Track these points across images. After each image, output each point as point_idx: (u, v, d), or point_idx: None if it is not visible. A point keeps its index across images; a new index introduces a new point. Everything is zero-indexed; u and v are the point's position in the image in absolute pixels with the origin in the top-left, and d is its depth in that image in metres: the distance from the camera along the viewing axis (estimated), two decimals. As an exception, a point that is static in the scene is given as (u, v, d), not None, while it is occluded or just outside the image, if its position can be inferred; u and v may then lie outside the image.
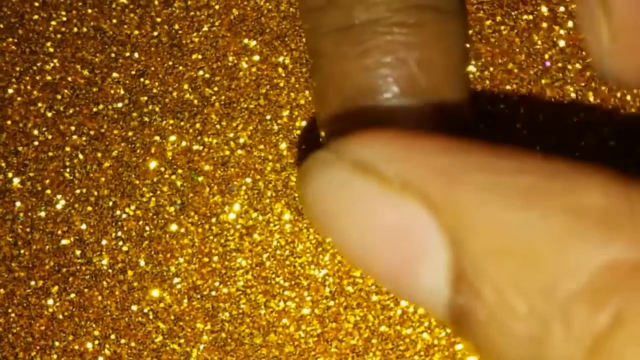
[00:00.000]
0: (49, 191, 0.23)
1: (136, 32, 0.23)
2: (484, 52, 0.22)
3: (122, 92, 0.22)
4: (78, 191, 0.22)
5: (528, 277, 0.09)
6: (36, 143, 0.23)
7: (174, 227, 0.22)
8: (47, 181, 0.23)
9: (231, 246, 0.22)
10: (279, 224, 0.22)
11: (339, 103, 0.17)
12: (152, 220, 0.22)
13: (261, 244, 0.22)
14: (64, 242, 0.22)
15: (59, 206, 0.22)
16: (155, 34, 0.23)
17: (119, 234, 0.22)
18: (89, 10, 0.23)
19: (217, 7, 0.22)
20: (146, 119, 0.22)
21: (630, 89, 0.19)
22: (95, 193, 0.22)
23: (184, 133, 0.22)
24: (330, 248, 0.22)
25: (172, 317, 0.22)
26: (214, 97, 0.22)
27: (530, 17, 0.22)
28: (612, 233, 0.09)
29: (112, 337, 0.22)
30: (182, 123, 0.22)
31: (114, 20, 0.23)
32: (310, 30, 0.18)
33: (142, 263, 0.22)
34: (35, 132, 0.23)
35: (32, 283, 0.22)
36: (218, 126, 0.22)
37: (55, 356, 0.22)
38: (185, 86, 0.22)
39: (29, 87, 0.23)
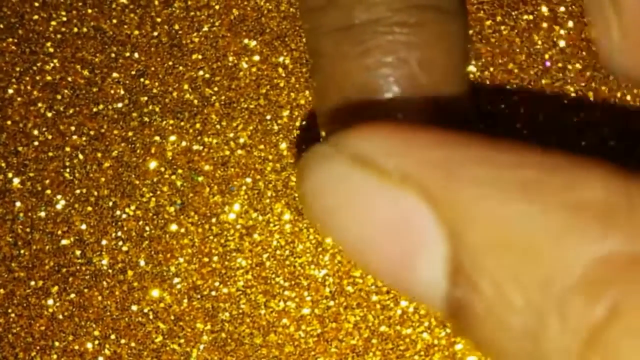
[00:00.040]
0: (49, 191, 0.23)
1: (136, 32, 0.23)
2: (484, 52, 0.22)
3: (122, 92, 0.22)
4: (78, 191, 0.22)
5: (525, 270, 0.09)
6: (36, 143, 0.23)
7: (174, 227, 0.22)
8: (47, 181, 0.23)
9: (231, 246, 0.22)
10: (279, 224, 0.22)
11: (339, 103, 0.17)
12: (152, 220, 0.22)
13: (261, 244, 0.22)
14: (64, 242, 0.22)
15: (59, 206, 0.22)
16: (156, 34, 0.23)
17: (119, 234, 0.22)
18: (89, 10, 0.23)
19: (217, 7, 0.22)
20: (146, 119, 0.22)
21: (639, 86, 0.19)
22: (95, 193, 0.22)
23: (184, 133, 0.22)
24: (330, 248, 0.22)
25: (172, 317, 0.22)
26: (214, 97, 0.22)
27: (531, 17, 0.22)
28: (610, 227, 0.09)
29: (112, 337, 0.22)
30: (182, 123, 0.22)
31: (114, 21, 0.23)
32: (310, 30, 0.18)
33: (142, 263, 0.22)
34: (35, 132, 0.23)
35: (32, 283, 0.22)
36: (218, 126, 0.22)
37: (55, 356, 0.22)
38: (186, 86, 0.22)
39: (29, 87, 0.23)
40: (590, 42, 0.22)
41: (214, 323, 0.22)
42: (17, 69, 0.23)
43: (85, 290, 0.22)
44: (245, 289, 0.22)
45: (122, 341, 0.22)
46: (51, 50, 0.23)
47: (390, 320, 0.22)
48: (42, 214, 0.22)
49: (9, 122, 0.23)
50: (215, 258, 0.22)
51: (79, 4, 0.23)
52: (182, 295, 0.22)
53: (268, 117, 0.22)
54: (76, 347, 0.22)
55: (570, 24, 0.22)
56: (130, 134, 0.22)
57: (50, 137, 0.23)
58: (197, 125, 0.22)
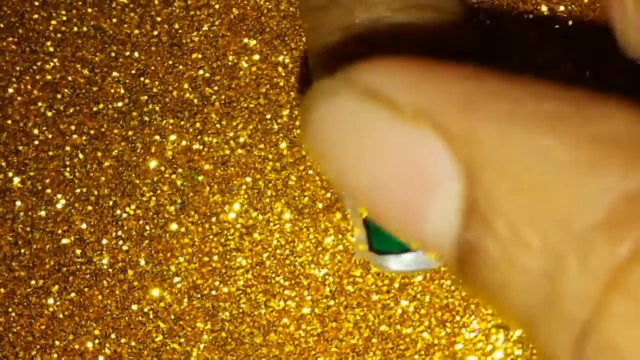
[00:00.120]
0: (49, 191, 0.23)
1: (136, 31, 0.23)
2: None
3: (122, 91, 0.22)
4: (78, 191, 0.22)
5: (544, 209, 0.09)
6: (37, 142, 0.23)
7: (174, 227, 0.22)
8: (48, 181, 0.23)
9: (231, 246, 0.22)
10: (279, 223, 0.22)
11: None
12: (153, 219, 0.22)
13: (261, 243, 0.22)
14: (65, 241, 0.22)
15: (59, 206, 0.22)
16: (156, 33, 0.23)
17: (120, 233, 0.22)
18: (89, 10, 0.23)
19: (217, 6, 0.22)
20: (146, 118, 0.22)
21: None
22: (96, 192, 0.22)
23: (184, 132, 0.22)
24: (331, 248, 0.22)
25: (173, 317, 0.22)
26: (214, 97, 0.22)
27: (531, 16, 0.22)
28: (634, 163, 0.08)
29: (113, 336, 0.22)
30: (182, 122, 0.22)
31: (115, 20, 0.23)
32: (311, 30, 0.18)
33: (142, 263, 0.22)
34: (36, 131, 0.23)
35: (33, 282, 0.22)
36: (218, 126, 0.22)
37: (55, 355, 0.22)
38: (186, 86, 0.22)
39: (29, 86, 0.23)
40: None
41: (214, 322, 0.22)
42: (18, 68, 0.23)
43: (86, 289, 0.22)
44: (246, 288, 0.22)
45: (123, 340, 0.22)
46: (51, 49, 0.23)
47: (391, 320, 0.22)
48: (43, 213, 0.23)
49: (9, 122, 0.23)
50: (216, 257, 0.22)
51: (79, 3, 0.23)
52: (182, 295, 0.22)
53: (268, 116, 0.22)
54: (77, 347, 0.22)
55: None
56: (130, 133, 0.22)
57: (50, 136, 0.23)
58: (198, 125, 0.22)
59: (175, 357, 0.22)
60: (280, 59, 0.22)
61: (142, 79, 0.22)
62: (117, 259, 0.22)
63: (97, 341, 0.22)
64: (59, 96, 0.23)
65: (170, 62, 0.22)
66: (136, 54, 0.22)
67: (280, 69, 0.22)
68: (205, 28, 0.22)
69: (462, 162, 0.09)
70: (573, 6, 0.22)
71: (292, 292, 0.22)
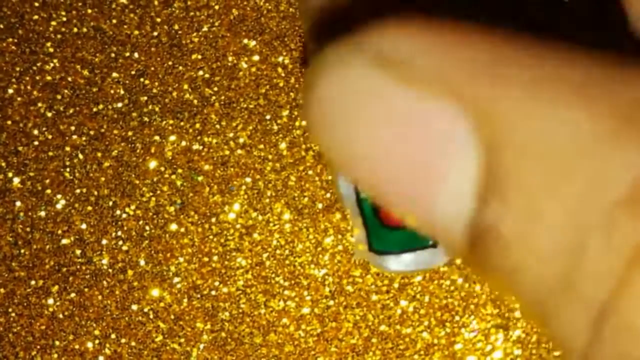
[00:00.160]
0: (49, 191, 0.23)
1: (136, 32, 0.23)
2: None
3: (122, 92, 0.22)
4: (78, 191, 0.22)
5: (567, 183, 0.08)
6: (36, 143, 0.23)
7: (173, 227, 0.22)
8: (47, 181, 0.23)
9: (231, 246, 0.22)
10: (278, 223, 0.22)
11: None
12: (152, 219, 0.22)
13: (261, 243, 0.22)
14: (64, 241, 0.22)
15: (59, 206, 0.22)
16: (155, 34, 0.23)
17: (119, 233, 0.22)
18: (89, 11, 0.23)
19: (216, 7, 0.22)
20: (146, 118, 0.22)
21: None
22: (95, 193, 0.22)
23: (184, 133, 0.22)
24: (330, 248, 0.22)
25: (172, 317, 0.22)
26: (213, 97, 0.22)
27: (530, 17, 0.22)
28: None
29: (113, 336, 0.22)
30: (181, 123, 0.22)
31: (114, 21, 0.23)
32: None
33: (142, 263, 0.22)
34: (35, 132, 0.23)
35: (33, 282, 0.22)
36: (218, 126, 0.22)
37: (55, 355, 0.22)
38: (185, 86, 0.22)
39: (29, 87, 0.23)
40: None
41: (214, 322, 0.22)
42: (17, 68, 0.23)
43: (86, 289, 0.22)
44: (245, 288, 0.22)
45: (123, 340, 0.22)
46: (51, 50, 0.23)
47: (390, 320, 0.22)
48: (42, 213, 0.23)
49: (9, 122, 0.23)
50: (215, 258, 0.22)
51: (79, 4, 0.23)
52: (182, 295, 0.22)
53: (267, 116, 0.22)
54: (76, 347, 0.22)
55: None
56: (130, 133, 0.22)
57: (50, 136, 0.23)
58: (197, 125, 0.22)
59: (175, 356, 0.22)
60: (280, 59, 0.22)
61: (142, 79, 0.22)
62: (116, 259, 0.22)
63: (96, 341, 0.22)
64: (59, 96, 0.23)
65: (170, 63, 0.22)
66: (136, 55, 0.22)
67: (279, 70, 0.22)
68: (205, 29, 0.22)
69: (482, 133, 0.08)
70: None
71: (292, 292, 0.22)
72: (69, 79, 0.23)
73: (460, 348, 0.22)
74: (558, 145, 0.08)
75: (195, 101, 0.22)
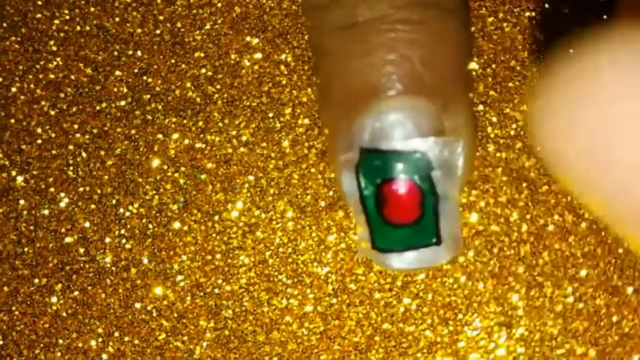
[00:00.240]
0: (52, 189, 0.23)
1: (139, 30, 0.23)
2: (487, 49, 0.22)
3: (125, 90, 0.22)
4: (81, 189, 0.22)
5: None
6: (39, 141, 0.23)
7: (177, 225, 0.22)
8: (51, 179, 0.23)
9: (234, 244, 0.22)
10: (281, 221, 0.22)
11: (342, 101, 0.18)
12: (155, 218, 0.22)
13: (264, 241, 0.22)
14: (68, 240, 0.23)
15: (62, 204, 0.23)
16: (158, 32, 0.23)
17: (122, 231, 0.22)
18: (92, 9, 0.23)
19: (219, 4, 0.22)
20: (149, 117, 0.22)
21: None
22: (99, 191, 0.22)
23: (187, 131, 0.22)
24: (333, 245, 0.22)
25: (176, 315, 0.22)
26: (216, 95, 0.22)
27: (533, 13, 0.22)
28: None
29: (116, 334, 0.22)
30: (184, 121, 0.22)
31: (117, 19, 0.23)
32: (313, 28, 0.18)
33: (145, 261, 0.22)
34: (39, 130, 0.23)
35: (36, 281, 0.23)
36: (220, 124, 0.22)
37: (59, 354, 0.22)
38: (188, 84, 0.22)
39: (32, 85, 0.23)
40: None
41: (217, 320, 0.22)
42: (20, 67, 0.23)
43: (89, 287, 0.22)
44: (248, 286, 0.22)
45: (126, 338, 0.22)
46: (54, 48, 0.23)
47: (393, 318, 0.22)
48: (46, 211, 0.23)
49: (12, 121, 0.23)
50: (218, 256, 0.22)
51: (82, 2, 0.23)
52: (185, 293, 0.22)
53: (270, 114, 0.22)
54: (80, 345, 0.22)
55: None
56: (133, 131, 0.22)
57: (53, 135, 0.23)
58: (200, 123, 0.22)
59: (178, 354, 0.22)
60: (283, 57, 0.22)
61: (145, 77, 0.22)
62: (120, 257, 0.22)
63: (100, 339, 0.22)
64: (62, 95, 0.23)
65: (173, 61, 0.22)
66: (138, 53, 0.22)
67: (282, 67, 0.22)
68: (207, 26, 0.22)
69: None
70: (575, 4, 0.22)
71: (295, 290, 0.22)
72: (72, 77, 0.23)
73: (463, 346, 0.22)
74: None
75: (198, 99, 0.22)
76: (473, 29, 0.22)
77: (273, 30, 0.22)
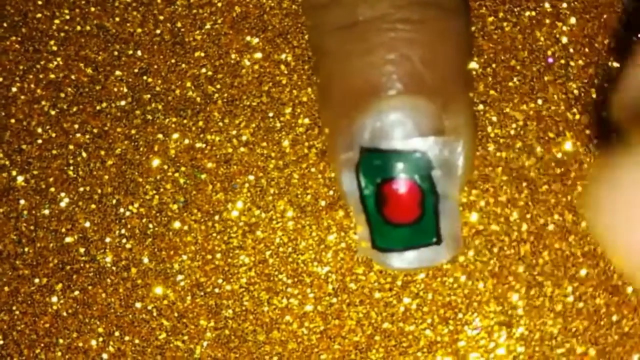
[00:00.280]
0: (52, 189, 0.23)
1: (139, 30, 0.23)
2: (487, 48, 0.22)
3: (125, 90, 0.23)
4: (82, 189, 0.22)
5: None
6: (40, 141, 0.23)
7: (177, 225, 0.22)
8: (51, 179, 0.23)
9: (234, 243, 0.22)
10: (281, 221, 0.22)
11: (342, 100, 0.18)
12: (156, 217, 0.22)
13: (264, 241, 0.22)
14: (68, 239, 0.23)
15: (62, 204, 0.23)
16: (158, 31, 0.23)
17: (123, 231, 0.22)
18: (92, 9, 0.23)
19: (219, 4, 0.22)
20: (149, 116, 0.22)
21: None
22: (99, 191, 0.22)
23: (187, 131, 0.22)
24: (333, 245, 0.22)
25: (176, 314, 0.22)
26: (216, 95, 0.22)
27: (533, 13, 0.22)
28: None
29: (116, 334, 0.22)
30: (184, 121, 0.22)
31: (117, 19, 0.23)
32: (313, 28, 0.18)
33: (145, 260, 0.22)
34: (39, 130, 0.23)
35: (37, 280, 0.23)
36: (221, 124, 0.22)
37: (59, 353, 0.22)
38: (188, 84, 0.22)
39: (32, 85, 0.23)
40: (592, 38, 0.22)
41: (217, 320, 0.22)
42: (21, 67, 0.23)
43: (89, 287, 0.22)
44: (248, 286, 0.22)
45: (126, 338, 0.22)
46: (54, 48, 0.23)
47: (393, 317, 0.22)
48: (46, 211, 0.23)
49: (12, 120, 0.23)
50: (218, 255, 0.22)
51: (82, 2, 0.23)
52: (185, 293, 0.22)
53: (270, 114, 0.22)
54: (80, 344, 0.22)
55: (573, 20, 0.22)
56: (133, 131, 0.22)
57: (53, 135, 0.23)
58: (200, 123, 0.22)
59: (178, 354, 0.22)
60: (283, 56, 0.22)
61: (145, 77, 0.22)
62: (120, 257, 0.22)
63: (100, 339, 0.22)
64: (62, 95, 0.23)
65: (173, 61, 0.22)
66: (139, 53, 0.23)
67: (282, 67, 0.22)
68: (208, 26, 0.22)
69: None
70: (575, 3, 0.22)
71: (295, 290, 0.22)
72: (72, 77, 0.23)
73: (463, 345, 0.22)
74: None
75: (198, 99, 0.22)
76: (473, 28, 0.22)
77: (273, 29, 0.22)
